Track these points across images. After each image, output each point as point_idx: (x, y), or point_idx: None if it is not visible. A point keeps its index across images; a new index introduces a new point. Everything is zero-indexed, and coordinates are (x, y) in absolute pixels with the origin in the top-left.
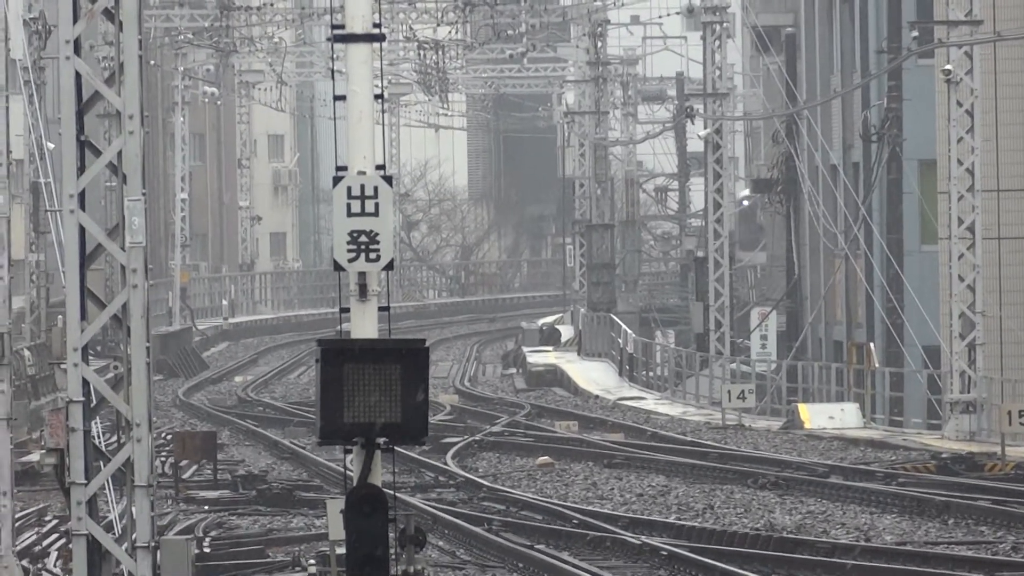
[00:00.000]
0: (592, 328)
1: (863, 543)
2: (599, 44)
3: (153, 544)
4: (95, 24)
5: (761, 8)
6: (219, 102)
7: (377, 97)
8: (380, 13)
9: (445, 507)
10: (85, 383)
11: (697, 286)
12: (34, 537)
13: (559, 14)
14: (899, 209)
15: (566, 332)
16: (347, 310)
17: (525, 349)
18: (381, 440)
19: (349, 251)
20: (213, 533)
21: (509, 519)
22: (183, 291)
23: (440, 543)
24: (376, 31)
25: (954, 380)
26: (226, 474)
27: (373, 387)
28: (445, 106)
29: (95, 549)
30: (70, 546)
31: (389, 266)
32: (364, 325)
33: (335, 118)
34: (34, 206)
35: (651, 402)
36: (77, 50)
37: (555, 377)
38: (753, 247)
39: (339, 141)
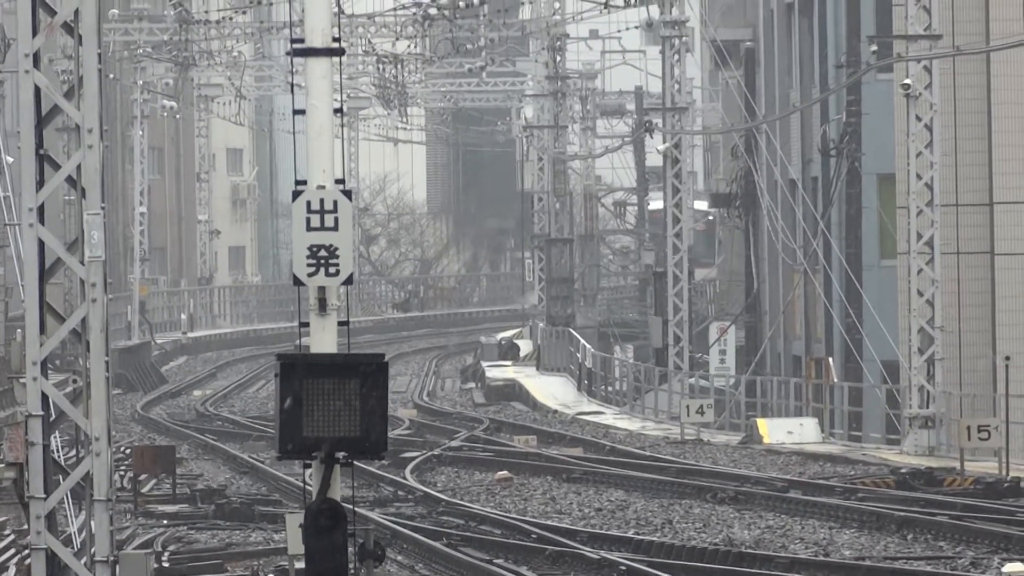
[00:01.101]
0: (551, 343)
1: (822, 558)
2: (558, 58)
3: (112, 558)
4: (54, 38)
5: (720, 22)
6: (178, 116)
7: (336, 111)
8: (339, 27)
9: (404, 521)
10: (44, 397)
11: (656, 301)
12: None
13: (518, 28)
14: (858, 224)
15: (525, 346)
16: (306, 324)
17: (484, 364)
18: (340, 455)
19: (309, 265)
20: (172, 547)
21: (468, 534)
22: (142, 305)
23: (399, 557)
24: (336, 45)
25: (913, 395)
26: (185, 488)
27: (332, 401)
28: (404, 120)
29: (54, 563)
30: (29, 560)
31: (348, 280)
32: (323, 339)
33: (294, 132)
34: None
35: (610, 417)
36: (36, 63)
37: (514, 392)
38: (710, 263)
39: (298, 155)
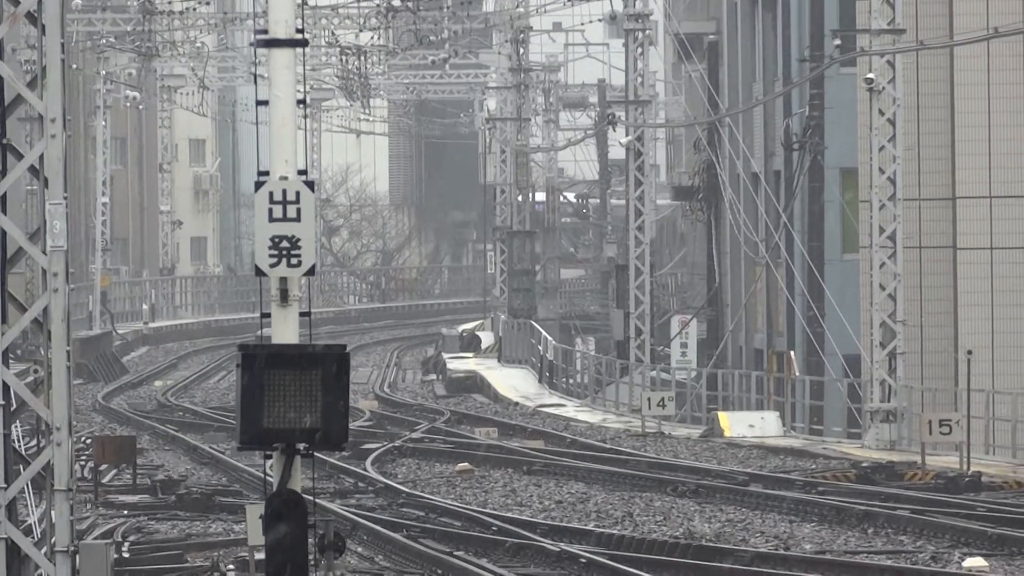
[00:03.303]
0: (512, 335)
1: (782, 551)
2: (521, 50)
3: (72, 548)
4: (18, 27)
5: (683, 15)
6: (141, 106)
7: (299, 102)
8: (303, 18)
9: (364, 513)
10: (5, 386)
11: (618, 293)
12: None
13: (481, 20)
14: (820, 218)
15: (486, 339)
16: (268, 315)
17: (445, 355)
18: (301, 446)
19: (271, 256)
20: (132, 538)
21: (428, 525)
22: (103, 295)
23: (359, 549)
24: (299, 36)
25: (874, 389)
26: (145, 479)
27: (293, 392)
28: (367, 111)
29: (14, 553)
30: None
31: (310, 271)
32: (285, 330)
33: (257, 123)
34: None
35: (571, 409)
36: (0, 53)
37: (475, 383)
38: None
39: (261, 146)
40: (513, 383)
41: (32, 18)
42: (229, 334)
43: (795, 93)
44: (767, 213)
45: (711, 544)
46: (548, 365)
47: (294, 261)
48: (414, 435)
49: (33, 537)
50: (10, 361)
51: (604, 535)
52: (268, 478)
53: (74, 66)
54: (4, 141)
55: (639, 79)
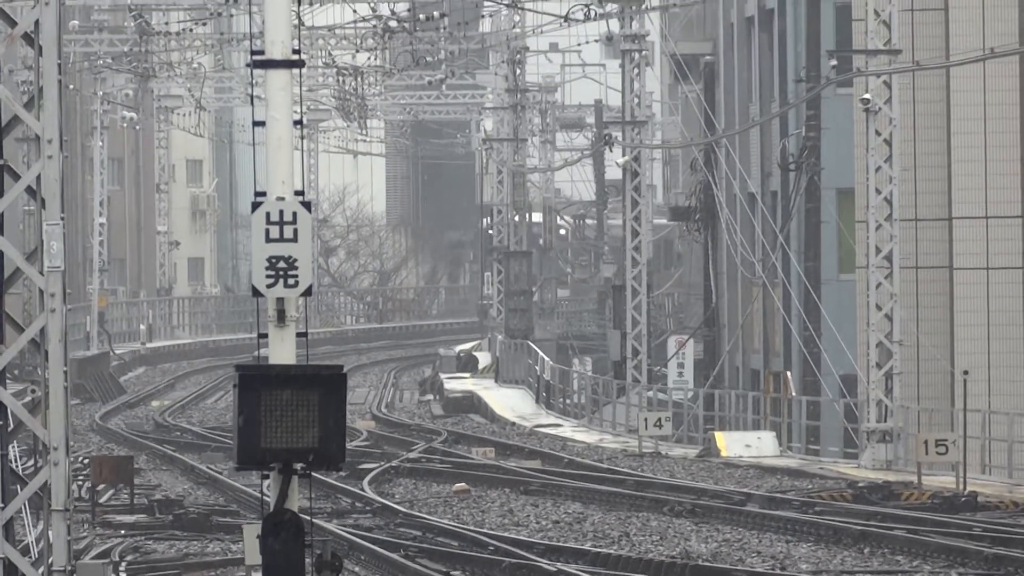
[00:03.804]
0: (509, 355)
1: (779, 571)
2: (518, 71)
3: (70, 568)
4: (14, 48)
5: (680, 36)
6: (138, 127)
7: (296, 123)
8: (299, 39)
9: (361, 533)
10: (2, 407)
11: (615, 314)
12: None
13: (478, 41)
14: (817, 238)
15: (483, 359)
16: (265, 336)
17: (442, 376)
18: (298, 466)
19: (268, 277)
20: (129, 557)
21: (425, 545)
22: (101, 315)
23: (356, 569)
24: (295, 57)
25: (871, 409)
26: (143, 499)
27: (291, 413)
28: (364, 132)
29: (11, 573)
30: None
31: (307, 292)
32: (282, 351)
33: (254, 143)
34: None
35: (568, 429)
36: None
37: (472, 404)
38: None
39: (258, 167)
40: (510, 403)
41: (29, 39)
42: (226, 354)
43: (791, 114)
44: (764, 233)
45: (707, 564)
46: (545, 385)
47: (291, 281)
48: (411, 455)
49: (31, 557)
50: (7, 381)
51: (601, 555)
52: (265, 498)
53: (71, 87)
54: (1, 162)
55: (636, 100)
